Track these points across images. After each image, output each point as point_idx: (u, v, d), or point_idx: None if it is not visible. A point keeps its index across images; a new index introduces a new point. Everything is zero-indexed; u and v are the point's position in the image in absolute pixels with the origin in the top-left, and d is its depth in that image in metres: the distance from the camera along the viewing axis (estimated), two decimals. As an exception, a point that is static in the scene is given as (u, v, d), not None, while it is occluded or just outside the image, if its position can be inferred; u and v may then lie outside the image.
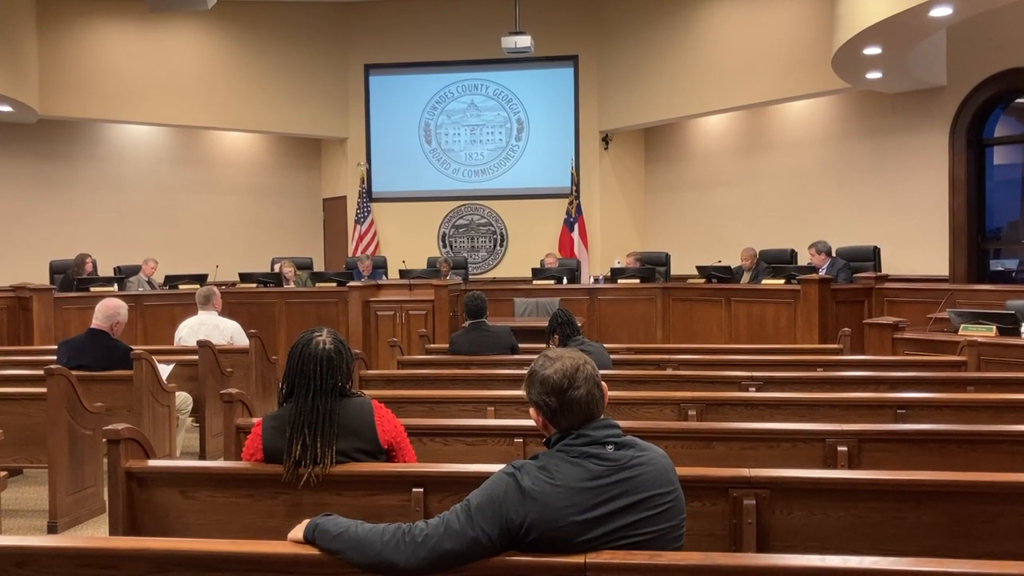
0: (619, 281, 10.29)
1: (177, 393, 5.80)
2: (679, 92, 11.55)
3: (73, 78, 11.12)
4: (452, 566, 1.97)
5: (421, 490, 2.60)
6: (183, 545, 2.18)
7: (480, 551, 1.97)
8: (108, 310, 5.58)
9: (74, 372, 4.95)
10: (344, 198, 13.50)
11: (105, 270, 10.75)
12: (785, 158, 11.12)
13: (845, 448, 3.22)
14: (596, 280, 10.93)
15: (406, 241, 12.91)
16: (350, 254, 12.58)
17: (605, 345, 5.61)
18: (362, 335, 8.95)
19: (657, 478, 2.04)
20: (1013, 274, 9.26)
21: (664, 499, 2.04)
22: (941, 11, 7.02)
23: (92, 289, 9.21)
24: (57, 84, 10.94)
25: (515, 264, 12.57)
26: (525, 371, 2.23)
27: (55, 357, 5.57)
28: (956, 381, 4.79)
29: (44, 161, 11.67)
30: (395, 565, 1.96)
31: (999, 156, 9.37)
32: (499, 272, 12.95)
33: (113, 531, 2.73)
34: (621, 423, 2.23)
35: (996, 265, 9.33)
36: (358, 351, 5.33)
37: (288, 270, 10.72)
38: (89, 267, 10.04)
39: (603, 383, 2.18)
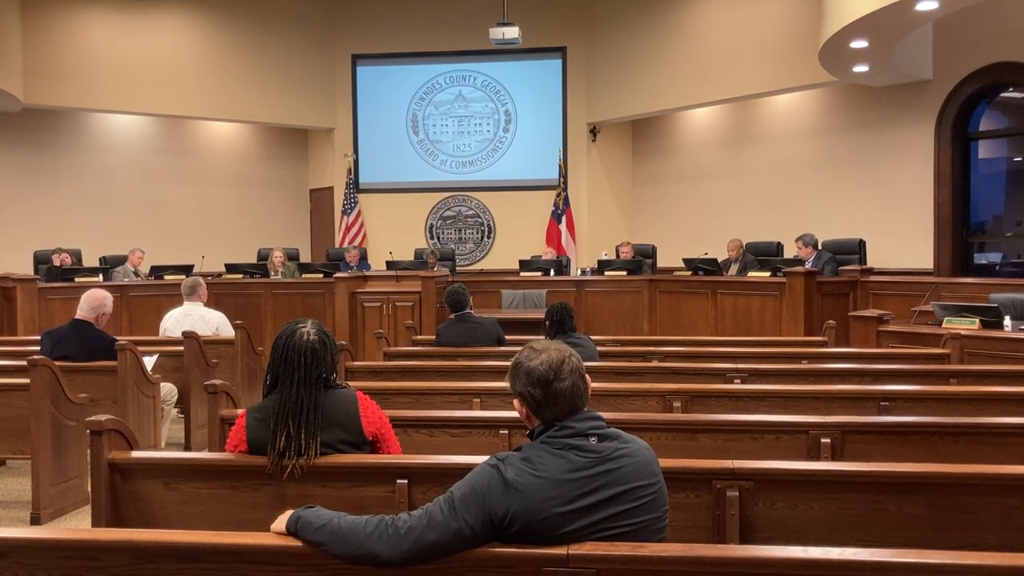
0: (606, 273, 10.30)
1: (162, 384, 5.78)
2: (667, 84, 11.56)
3: (57, 66, 11.02)
4: (435, 557, 1.97)
5: (405, 482, 2.60)
6: (166, 536, 2.17)
7: (463, 542, 1.97)
8: (94, 301, 5.55)
9: (58, 363, 4.92)
10: (331, 189, 13.46)
11: (91, 260, 10.69)
12: (772, 151, 11.15)
13: (828, 440, 3.24)
14: (583, 272, 10.94)
15: (393, 232, 12.89)
16: (337, 245, 12.55)
17: (591, 337, 5.62)
18: (349, 326, 8.94)
19: (640, 470, 2.05)
20: (997, 267, 9.32)
21: (647, 491, 2.04)
22: (927, 5, 7.05)
23: (77, 279, 9.15)
24: (41, 72, 10.84)
25: (503, 256, 12.56)
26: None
27: (39, 348, 5.53)
28: (939, 374, 4.82)
29: (28, 151, 11.58)
30: (378, 556, 1.96)
31: (984, 150, 9.42)
32: (487, 264, 12.94)
33: (96, 522, 2.71)
34: (606, 415, 2.23)
35: (980, 258, 9.39)
36: (344, 342, 5.33)
37: (278, 255, 10.71)
38: (66, 260, 9.91)
39: (587, 375, 2.18)
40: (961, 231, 9.18)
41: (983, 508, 2.49)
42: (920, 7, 7.07)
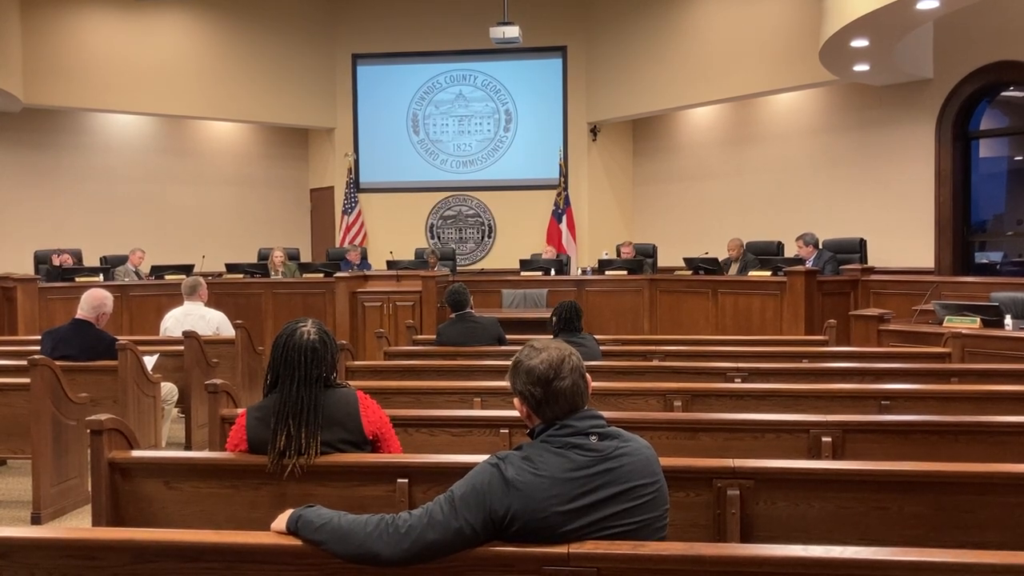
0: (607, 273, 10.30)
1: (163, 384, 5.78)
2: (667, 84, 11.55)
3: (58, 66, 11.02)
4: (435, 556, 1.97)
5: (406, 480, 2.60)
6: (166, 536, 2.16)
7: (464, 542, 1.97)
8: (95, 301, 5.55)
9: (58, 363, 4.92)
10: (331, 188, 13.46)
11: (91, 260, 10.69)
12: (773, 150, 11.15)
13: (829, 439, 3.24)
14: (584, 271, 10.94)
15: (394, 232, 12.89)
16: (337, 245, 12.55)
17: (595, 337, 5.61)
18: (349, 326, 8.94)
19: (640, 469, 2.05)
20: (997, 266, 9.32)
21: (647, 490, 2.04)
22: (927, 4, 7.04)
23: (77, 279, 9.15)
24: (41, 72, 10.84)
25: (503, 255, 12.56)
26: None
27: (39, 347, 5.53)
28: (940, 372, 4.82)
29: (28, 150, 11.57)
30: (378, 556, 1.96)
31: (984, 149, 9.42)
32: (487, 263, 12.94)
33: (96, 522, 2.71)
34: (606, 414, 2.23)
35: (981, 257, 9.38)
36: (344, 342, 5.33)
37: (279, 255, 10.71)
38: (66, 260, 9.90)
39: (587, 374, 2.17)
40: (962, 230, 9.17)
41: (984, 507, 2.48)
42: (921, 6, 7.06)
